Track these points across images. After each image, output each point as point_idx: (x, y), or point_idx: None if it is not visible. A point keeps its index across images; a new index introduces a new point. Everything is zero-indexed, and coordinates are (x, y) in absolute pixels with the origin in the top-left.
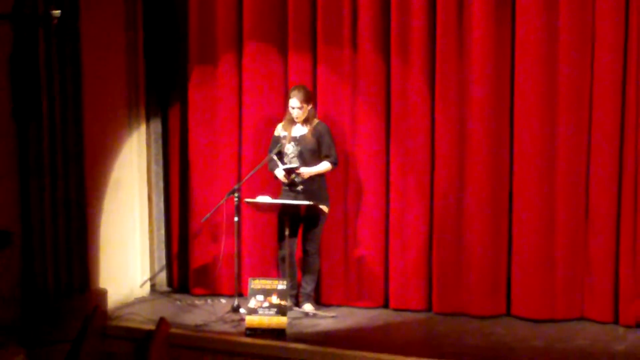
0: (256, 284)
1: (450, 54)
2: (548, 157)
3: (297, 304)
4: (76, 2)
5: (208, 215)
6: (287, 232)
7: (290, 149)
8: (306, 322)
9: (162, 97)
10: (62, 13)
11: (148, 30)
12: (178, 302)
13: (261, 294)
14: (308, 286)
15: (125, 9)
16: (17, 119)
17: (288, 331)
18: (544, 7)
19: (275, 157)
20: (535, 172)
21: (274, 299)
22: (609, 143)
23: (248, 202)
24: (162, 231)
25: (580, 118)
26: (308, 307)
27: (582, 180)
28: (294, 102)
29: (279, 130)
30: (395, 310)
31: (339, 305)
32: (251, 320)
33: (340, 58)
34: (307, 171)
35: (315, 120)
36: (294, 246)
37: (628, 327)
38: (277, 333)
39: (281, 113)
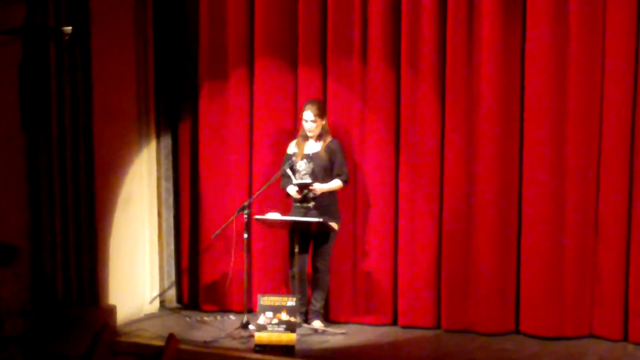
0: (266, 300)
1: (460, 65)
2: (557, 169)
3: (307, 320)
4: (87, 16)
5: (218, 231)
6: (297, 249)
7: (302, 166)
8: (315, 338)
9: (173, 112)
10: (72, 28)
11: (158, 45)
12: (187, 319)
13: (270, 311)
14: (317, 303)
15: (135, 23)
16: (27, 131)
17: (297, 348)
18: (554, 17)
19: (290, 172)
20: (544, 185)
21: (284, 316)
22: (619, 152)
23: (258, 219)
24: (172, 247)
25: (590, 128)
26: (317, 324)
27: (592, 193)
28: (308, 115)
29: (292, 148)
30: (404, 327)
31: (347, 322)
32: (260, 337)
33: (350, 70)
34: (319, 187)
35: (329, 138)
36: (305, 263)
37: (638, 344)
38: (286, 350)
39: (292, 128)
